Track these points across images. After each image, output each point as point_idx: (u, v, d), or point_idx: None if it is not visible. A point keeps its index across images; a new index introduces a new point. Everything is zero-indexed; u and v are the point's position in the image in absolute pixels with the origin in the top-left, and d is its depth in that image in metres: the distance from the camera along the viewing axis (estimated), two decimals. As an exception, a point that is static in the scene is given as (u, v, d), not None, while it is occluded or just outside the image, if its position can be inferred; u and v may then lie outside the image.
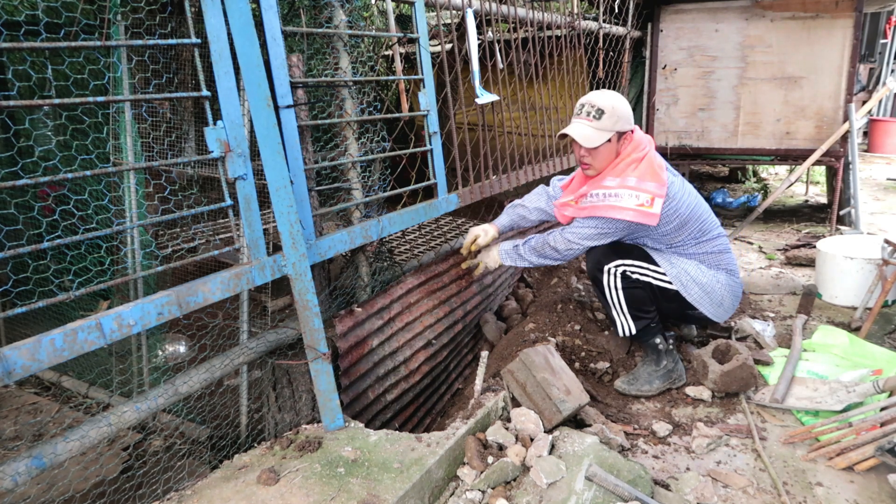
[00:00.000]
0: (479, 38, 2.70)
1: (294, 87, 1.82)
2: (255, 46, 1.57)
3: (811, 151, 4.65)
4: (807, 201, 5.93)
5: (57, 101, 1.24)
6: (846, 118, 4.54)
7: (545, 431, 1.87)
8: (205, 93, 1.51)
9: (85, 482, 2.03)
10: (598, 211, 2.32)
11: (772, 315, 3.20)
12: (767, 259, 4.22)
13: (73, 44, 1.26)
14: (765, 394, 2.41)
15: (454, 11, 2.65)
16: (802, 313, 3.12)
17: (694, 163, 5.50)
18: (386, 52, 4.07)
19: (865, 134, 8.58)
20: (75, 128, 2.21)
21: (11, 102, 1.19)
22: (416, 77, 2.33)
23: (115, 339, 1.34)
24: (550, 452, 1.76)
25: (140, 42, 1.45)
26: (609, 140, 2.28)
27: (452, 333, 2.67)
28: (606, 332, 2.81)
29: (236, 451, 1.92)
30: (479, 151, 2.86)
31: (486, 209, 3.31)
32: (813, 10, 4.50)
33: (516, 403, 2.07)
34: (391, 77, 2.29)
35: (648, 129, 5.14)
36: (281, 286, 2.69)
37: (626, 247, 2.47)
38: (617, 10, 4.58)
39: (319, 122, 1.96)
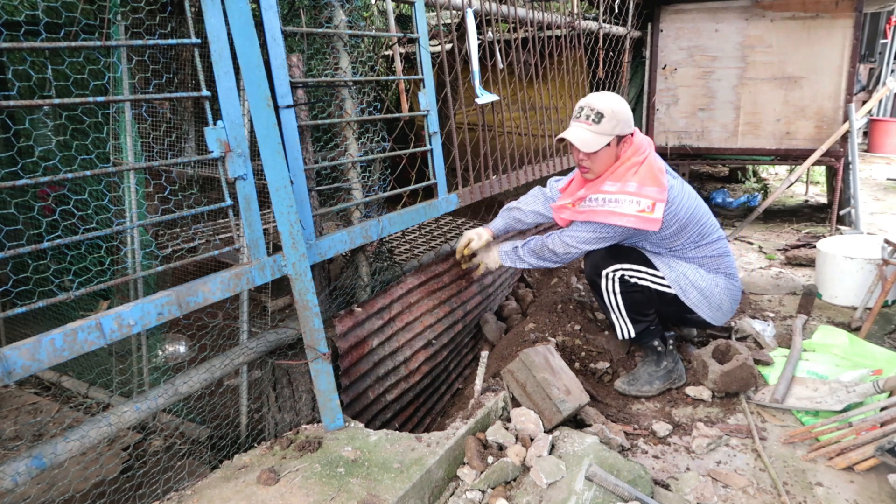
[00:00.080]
0: (479, 38, 2.69)
1: (294, 87, 1.82)
2: (255, 46, 1.57)
3: (811, 151, 4.66)
4: (807, 201, 5.93)
5: (57, 101, 1.24)
6: (846, 118, 4.54)
7: (545, 431, 1.88)
8: (205, 93, 1.51)
9: (85, 482, 2.03)
10: (596, 216, 2.29)
11: (772, 315, 3.20)
12: (767, 259, 4.22)
13: (73, 44, 1.26)
14: (765, 394, 2.41)
15: (454, 11, 2.65)
16: (802, 313, 3.12)
17: (694, 163, 5.51)
18: (386, 52, 4.07)
19: (865, 134, 8.58)
20: (75, 128, 2.21)
21: (11, 102, 1.19)
22: (416, 77, 2.33)
23: (115, 339, 1.34)
24: (550, 452, 1.76)
25: (140, 42, 1.45)
26: (608, 144, 2.25)
27: (452, 333, 2.67)
28: (606, 332, 2.81)
29: (236, 451, 1.92)
30: (479, 151, 2.86)
31: (487, 209, 3.31)
32: (813, 10, 4.50)
33: (516, 403, 2.07)
34: (391, 77, 2.29)
35: (648, 129, 5.15)
36: (281, 286, 2.69)
37: (625, 250, 2.44)
38: (617, 10, 4.58)
39: (319, 122, 1.96)
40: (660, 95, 5.10)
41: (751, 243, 4.58)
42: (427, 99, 2.35)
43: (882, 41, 8.45)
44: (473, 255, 2.65)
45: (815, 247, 3.76)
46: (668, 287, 2.40)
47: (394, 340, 2.31)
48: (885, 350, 2.62)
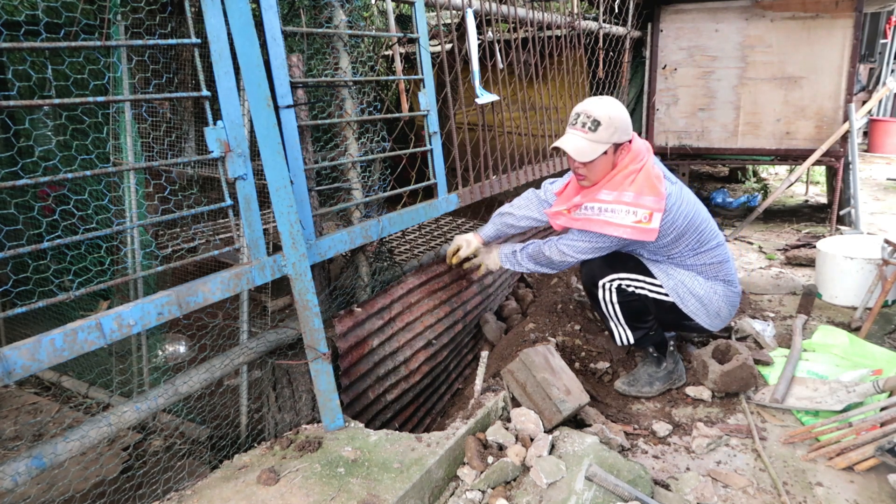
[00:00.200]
0: (479, 38, 2.69)
1: (294, 87, 1.82)
2: (255, 46, 1.57)
3: (811, 151, 4.66)
4: (807, 201, 5.93)
5: (57, 101, 1.24)
6: (846, 118, 4.54)
7: (545, 431, 1.87)
8: (205, 93, 1.51)
9: (85, 482, 2.03)
10: (592, 225, 2.23)
11: (772, 315, 3.20)
12: (767, 259, 4.22)
13: (73, 44, 1.26)
14: (765, 394, 2.41)
15: (454, 11, 2.65)
16: (802, 313, 3.12)
17: (694, 163, 5.51)
18: (386, 52, 4.07)
19: (865, 134, 8.58)
20: (75, 128, 2.21)
21: (11, 102, 1.19)
22: (416, 77, 2.33)
23: (115, 339, 1.34)
24: (550, 452, 1.76)
25: (140, 42, 1.45)
26: (605, 153, 2.16)
27: (452, 333, 2.67)
28: (606, 333, 2.81)
29: (236, 451, 1.92)
30: (479, 151, 2.86)
31: (487, 209, 3.31)
32: (813, 10, 4.50)
33: (516, 403, 2.07)
34: (391, 77, 2.29)
35: (648, 129, 5.15)
36: (281, 286, 2.69)
37: (622, 258, 2.40)
38: (617, 10, 4.58)
39: (319, 122, 1.96)
40: (660, 95, 5.10)
41: (751, 243, 4.58)
42: (427, 99, 2.35)
43: (882, 41, 8.45)
44: (465, 259, 2.62)
45: (815, 247, 3.76)
46: (666, 295, 2.36)
47: (394, 340, 2.31)
48: (885, 350, 2.62)
